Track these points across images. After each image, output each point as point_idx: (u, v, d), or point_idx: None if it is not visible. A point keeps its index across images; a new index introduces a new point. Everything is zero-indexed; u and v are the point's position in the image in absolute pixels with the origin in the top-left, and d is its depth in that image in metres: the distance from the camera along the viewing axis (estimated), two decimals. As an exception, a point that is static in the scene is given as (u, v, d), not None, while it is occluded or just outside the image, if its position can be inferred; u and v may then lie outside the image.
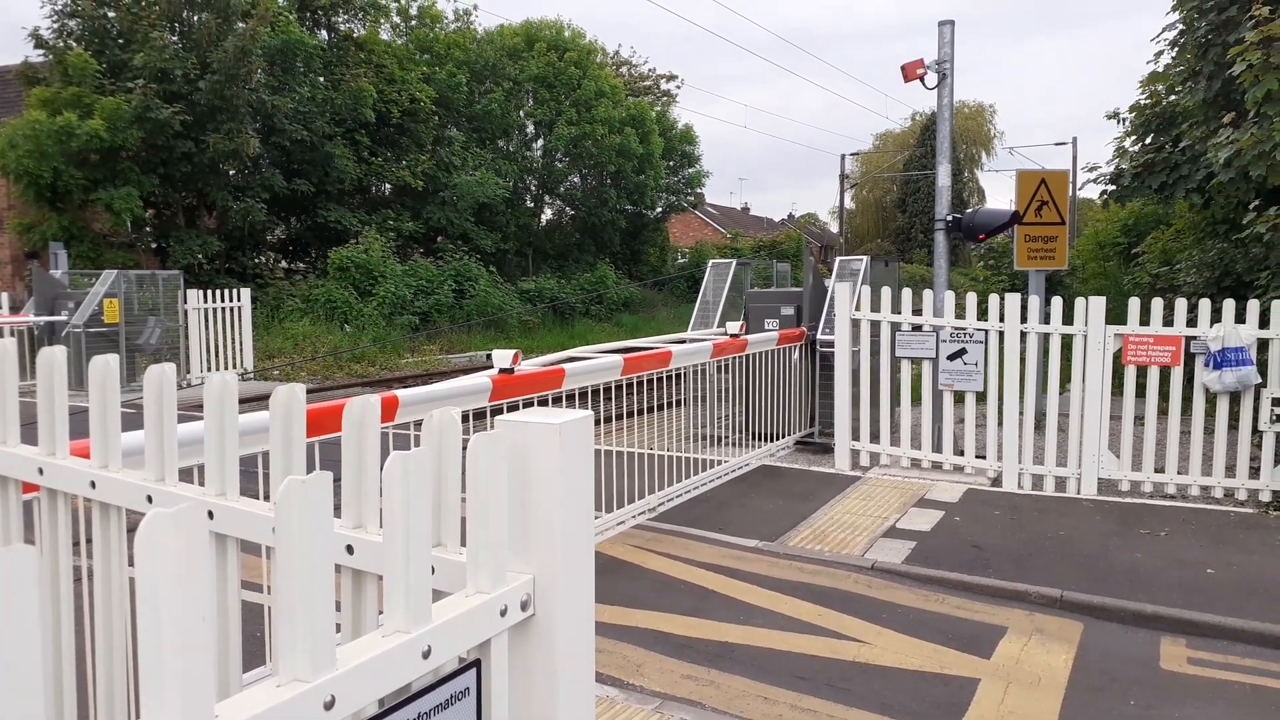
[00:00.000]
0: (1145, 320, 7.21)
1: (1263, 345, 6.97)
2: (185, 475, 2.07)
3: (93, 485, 2.08)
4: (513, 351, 5.42)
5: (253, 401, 10.26)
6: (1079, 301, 7.34)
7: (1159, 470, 7.30)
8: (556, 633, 1.38)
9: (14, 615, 0.82)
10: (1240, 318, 6.99)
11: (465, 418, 4.53)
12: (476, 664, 1.28)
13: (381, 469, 1.28)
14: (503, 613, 1.32)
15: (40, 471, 2.18)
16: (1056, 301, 7.47)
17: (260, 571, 3.65)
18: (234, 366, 15.70)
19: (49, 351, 2.17)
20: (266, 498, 1.89)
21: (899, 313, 8.13)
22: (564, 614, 1.38)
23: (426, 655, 1.20)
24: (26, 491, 2.30)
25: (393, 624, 1.20)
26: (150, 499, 1.95)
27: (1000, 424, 7.61)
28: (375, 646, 1.15)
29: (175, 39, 20.74)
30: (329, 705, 1.07)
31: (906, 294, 8.19)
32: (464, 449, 1.40)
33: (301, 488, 1.09)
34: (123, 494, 2.03)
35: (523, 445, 1.37)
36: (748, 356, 8.43)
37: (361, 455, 1.50)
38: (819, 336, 9.28)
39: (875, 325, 8.29)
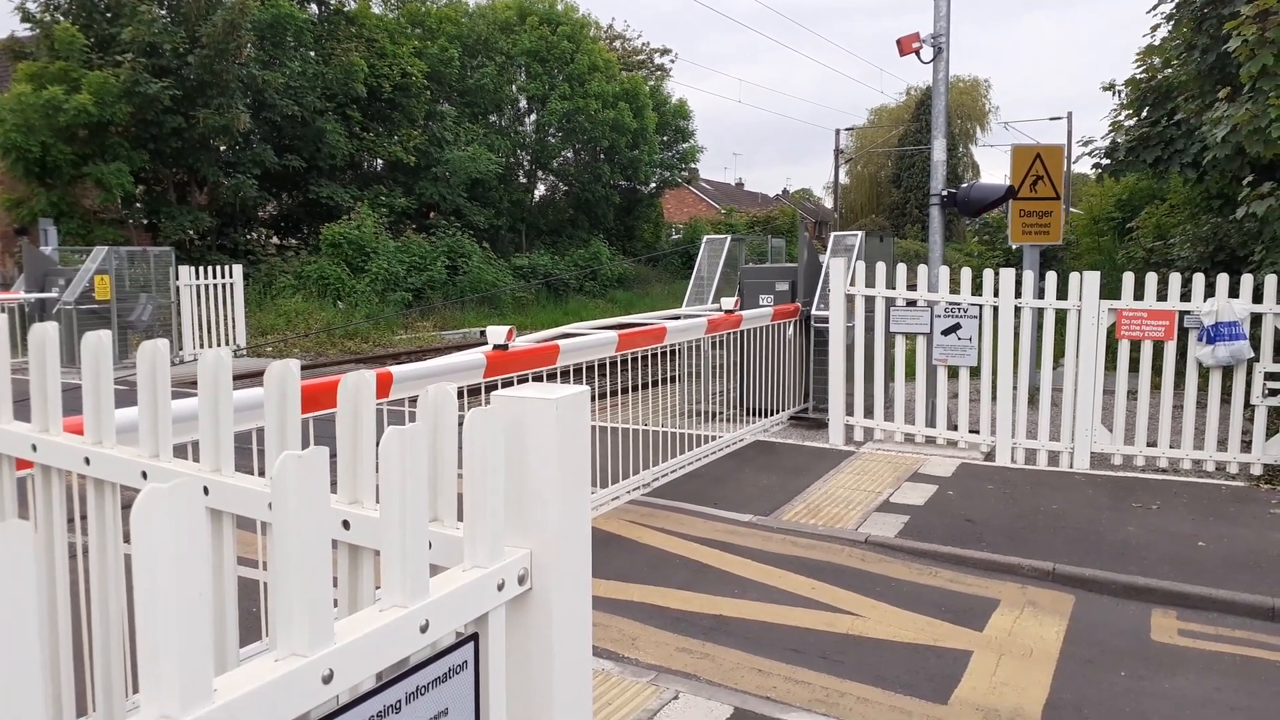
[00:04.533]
0: (1139, 295, 7.22)
1: (1255, 320, 6.99)
2: (179, 451, 2.06)
3: (87, 462, 2.07)
4: (507, 327, 5.41)
5: (246, 378, 10.24)
6: (1073, 276, 7.34)
7: (1151, 444, 7.34)
8: (553, 607, 1.38)
9: (11, 592, 0.82)
10: (1234, 292, 7.01)
11: (460, 394, 4.52)
12: (474, 638, 1.29)
13: (377, 445, 1.28)
14: (500, 587, 1.32)
15: (34, 448, 2.17)
16: (1051, 276, 7.47)
17: (255, 547, 3.65)
18: (226, 343, 15.65)
19: (41, 328, 2.16)
20: (261, 474, 1.89)
21: (894, 288, 8.13)
22: (561, 588, 1.39)
23: (424, 629, 1.20)
24: (20, 468, 2.30)
25: (390, 599, 1.20)
26: (145, 475, 1.95)
27: (994, 399, 7.63)
28: (373, 621, 1.16)
29: (164, 13, 20.47)
30: (327, 679, 1.07)
31: (901, 269, 8.18)
32: (459, 425, 1.40)
33: (299, 462, 1.09)
34: (117, 470, 2.02)
35: (519, 420, 1.37)
36: (742, 332, 8.43)
37: (357, 430, 1.50)
38: (814, 312, 9.28)
39: (870, 301, 8.28)
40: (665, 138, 35.58)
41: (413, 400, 4.40)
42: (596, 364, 6.38)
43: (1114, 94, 11.95)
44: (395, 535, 1.21)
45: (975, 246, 17.49)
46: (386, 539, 1.21)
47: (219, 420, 1.85)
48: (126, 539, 1.66)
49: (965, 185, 9.14)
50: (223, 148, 22.06)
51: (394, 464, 1.21)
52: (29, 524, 0.85)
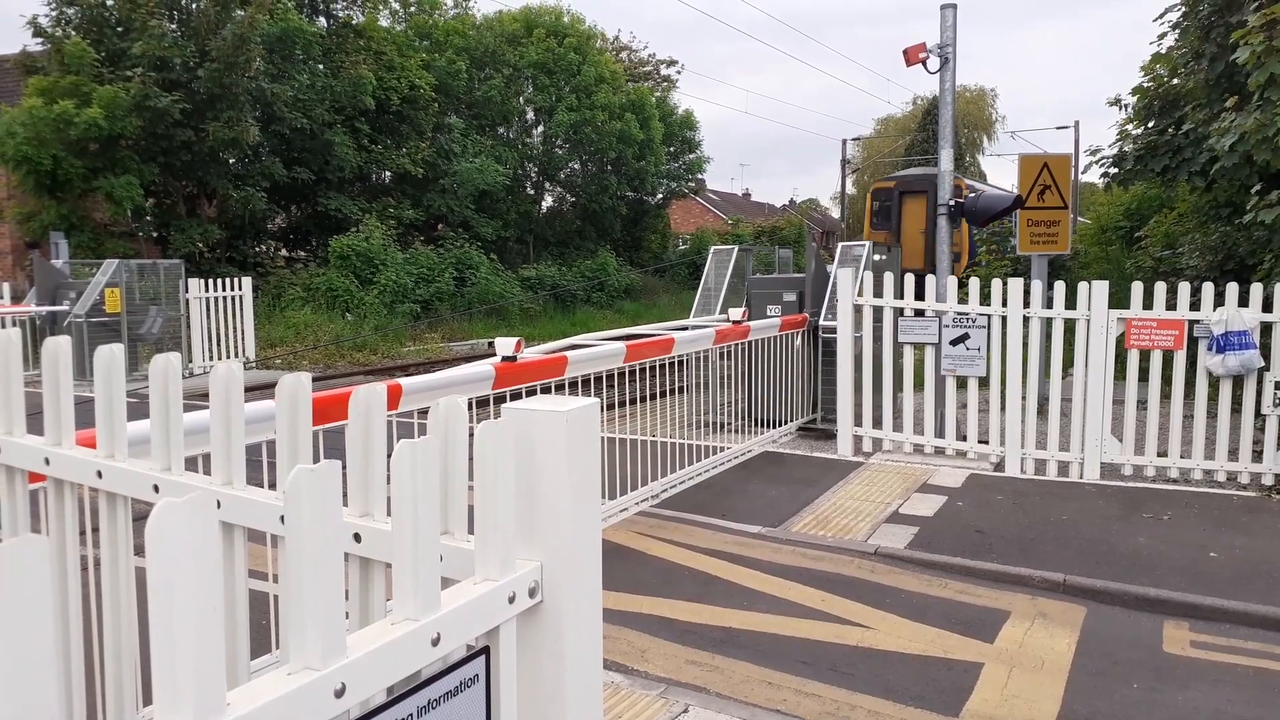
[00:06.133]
0: (1148, 304, 7.20)
1: (1265, 329, 6.96)
2: (190, 464, 2.07)
3: (99, 475, 2.08)
4: (515, 339, 5.42)
5: (256, 390, 10.26)
6: (1082, 286, 7.33)
7: (1162, 454, 7.30)
8: (565, 619, 1.38)
9: (26, 606, 0.82)
10: (1243, 301, 6.98)
11: (468, 406, 4.52)
12: (485, 651, 1.29)
13: (388, 457, 1.28)
14: (511, 600, 1.32)
15: (47, 461, 2.18)
16: (1059, 286, 7.45)
17: (264, 560, 3.65)
18: (236, 355, 15.72)
19: (54, 342, 2.17)
20: (271, 486, 1.90)
21: (901, 298, 8.12)
22: (572, 601, 1.39)
23: (435, 643, 1.20)
24: (33, 481, 2.31)
25: (401, 612, 1.20)
26: (157, 488, 1.96)
27: (1003, 409, 7.61)
28: (384, 634, 1.16)
29: (174, 27, 20.63)
30: (339, 693, 1.07)
31: (909, 279, 8.17)
32: (470, 437, 1.40)
33: (311, 476, 1.09)
34: (129, 483, 2.03)
35: (530, 433, 1.37)
36: (750, 343, 8.43)
37: (368, 443, 1.51)
38: (821, 322, 9.27)
39: (878, 311, 8.27)
40: (672, 148, 35.65)
41: (422, 412, 4.41)
42: (605, 375, 6.38)
43: (1120, 109, 11.95)
44: (407, 548, 1.21)
45: (983, 256, 17.47)
46: (398, 552, 1.22)
47: (231, 434, 1.86)
48: (138, 552, 1.66)
49: (973, 195, 9.14)
50: (232, 160, 22.18)
51: (406, 477, 1.21)
52: (44, 538, 0.86)
